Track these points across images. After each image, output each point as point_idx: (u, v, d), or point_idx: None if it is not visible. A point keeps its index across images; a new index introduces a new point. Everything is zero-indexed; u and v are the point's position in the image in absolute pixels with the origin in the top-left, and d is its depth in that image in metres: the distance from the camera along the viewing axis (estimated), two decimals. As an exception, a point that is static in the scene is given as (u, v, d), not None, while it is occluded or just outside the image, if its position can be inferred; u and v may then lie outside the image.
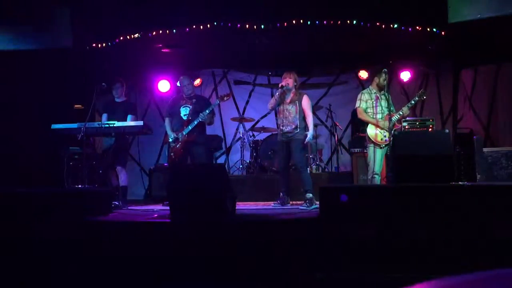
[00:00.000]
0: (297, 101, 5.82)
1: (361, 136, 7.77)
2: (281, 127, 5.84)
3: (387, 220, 3.49)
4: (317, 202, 5.17)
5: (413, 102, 5.96)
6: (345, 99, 9.14)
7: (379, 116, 5.86)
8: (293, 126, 5.76)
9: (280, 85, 5.84)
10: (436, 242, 3.35)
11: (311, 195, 5.52)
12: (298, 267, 3.50)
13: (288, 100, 5.85)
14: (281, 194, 5.86)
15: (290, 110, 5.79)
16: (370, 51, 8.08)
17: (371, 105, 5.93)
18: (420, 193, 3.58)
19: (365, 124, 6.00)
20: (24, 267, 3.68)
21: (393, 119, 5.80)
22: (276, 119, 6.14)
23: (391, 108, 5.84)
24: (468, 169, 6.66)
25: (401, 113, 5.84)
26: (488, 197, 3.48)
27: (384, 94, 5.96)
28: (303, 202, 5.61)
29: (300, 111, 5.80)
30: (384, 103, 5.92)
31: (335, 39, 7.62)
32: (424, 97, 6.06)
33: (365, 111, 5.95)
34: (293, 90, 5.88)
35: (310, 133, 5.80)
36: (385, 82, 5.97)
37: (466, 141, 7.15)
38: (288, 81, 5.83)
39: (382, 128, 5.77)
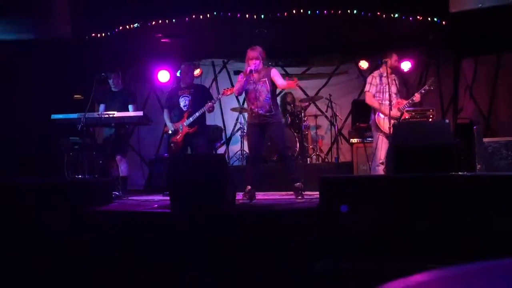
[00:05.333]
0: (265, 79, 5.17)
1: (361, 126, 7.77)
2: (254, 110, 5.12)
3: (387, 210, 3.50)
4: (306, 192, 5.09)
5: (423, 91, 5.79)
6: (345, 89, 9.13)
7: (387, 102, 5.77)
8: (267, 108, 5.11)
9: (248, 69, 5.15)
10: (436, 232, 3.36)
11: (301, 184, 5.05)
12: (299, 257, 3.51)
13: (255, 79, 5.15)
14: (248, 187, 5.13)
15: (260, 90, 5.11)
16: (371, 41, 8.04)
17: (380, 89, 5.78)
18: (420, 184, 3.58)
19: (370, 111, 5.90)
20: (25, 258, 3.69)
21: (402, 107, 5.71)
22: (247, 101, 5.43)
23: (397, 96, 5.72)
24: (468, 160, 6.65)
25: (410, 101, 5.71)
26: (488, 187, 3.48)
27: (395, 79, 5.80)
28: (292, 192, 5.11)
29: (271, 89, 5.17)
30: (394, 88, 5.73)
31: (335, 29, 7.58)
32: (433, 87, 5.91)
33: (374, 96, 5.79)
34: (260, 67, 5.20)
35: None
36: (397, 62, 5.82)
37: (466, 131, 7.13)
38: (256, 62, 5.16)
39: (390, 116, 5.59)
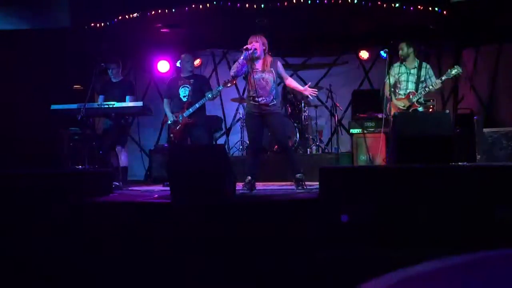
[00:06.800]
0: (272, 68, 5.12)
1: (362, 116, 7.76)
2: (256, 99, 5.01)
3: (387, 201, 3.50)
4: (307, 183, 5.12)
5: (444, 78, 5.60)
6: (346, 80, 9.10)
7: (402, 92, 5.75)
8: (271, 98, 5.07)
9: (244, 47, 5.05)
10: (436, 222, 3.37)
11: (302, 175, 5.05)
12: (299, 248, 3.52)
13: (260, 68, 5.11)
14: (248, 177, 5.09)
15: (267, 79, 5.07)
16: (371, 31, 8.01)
17: (398, 79, 5.82)
18: (420, 174, 3.58)
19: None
20: (24, 248, 3.70)
21: (412, 98, 5.68)
22: (248, 90, 5.31)
23: (419, 85, 5.68)
24: (468, 150, 6.66)
25: (427, 89, 5.64)
26: (488, 177, 3.48)
27: (415, 69, 5.77)
28: (293, 183, 5.12)
29: (276, 79, 5.18)
30: (412, 78, 5.73)
31: (336, 18, 7.55)
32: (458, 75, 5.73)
33: (393, 86, 5.80)
34: (263, 56, 5.15)
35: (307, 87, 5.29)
36: (409, 52, 5.77)
37: (466, 122, 7.13)
38: (255, 45, 5.07)
39: (399, 107, 5.65)
